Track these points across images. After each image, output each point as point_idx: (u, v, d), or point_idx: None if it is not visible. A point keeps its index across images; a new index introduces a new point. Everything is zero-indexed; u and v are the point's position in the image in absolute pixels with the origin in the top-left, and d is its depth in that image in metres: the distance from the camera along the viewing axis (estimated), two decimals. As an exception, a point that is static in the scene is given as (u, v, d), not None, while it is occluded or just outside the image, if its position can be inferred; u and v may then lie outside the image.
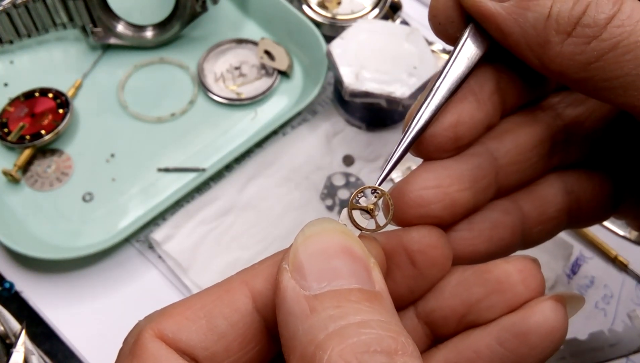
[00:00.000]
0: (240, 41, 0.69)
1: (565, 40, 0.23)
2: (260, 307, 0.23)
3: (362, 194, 0.25)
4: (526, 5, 0.23)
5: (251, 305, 0.23)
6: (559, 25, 0.23)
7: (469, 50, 0.26)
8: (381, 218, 0.25)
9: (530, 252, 0.59)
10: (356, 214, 0.25)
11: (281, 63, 0.66)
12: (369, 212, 0.25)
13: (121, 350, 0.24)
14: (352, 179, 0.62)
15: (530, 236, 0.29)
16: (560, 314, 0.24)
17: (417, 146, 0.27)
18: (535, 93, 0.29)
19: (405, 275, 0.26)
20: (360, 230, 0.25)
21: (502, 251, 0.28)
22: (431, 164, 0.27)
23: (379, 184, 0.25)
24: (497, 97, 0.27)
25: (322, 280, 0.21)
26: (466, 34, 0.26)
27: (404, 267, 0.26)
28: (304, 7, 0.68)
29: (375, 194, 0.25)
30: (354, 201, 0.25)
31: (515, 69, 0.27)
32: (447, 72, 0.26)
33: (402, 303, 0.27)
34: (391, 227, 0.26)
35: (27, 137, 0.60)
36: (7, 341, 0.48)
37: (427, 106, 0.26)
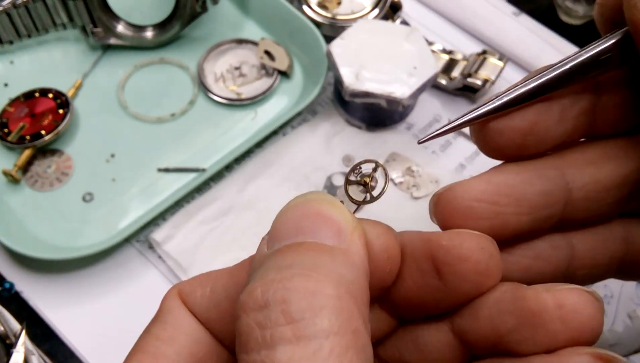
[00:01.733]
0: (240, 41, 0.69)
1: None
2: None
3: (360, 168, 0.24)
4: None
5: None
6: None
7: (593, 58, 0.23)
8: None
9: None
10: (354, 190, 0.24)
11: (281, 63, 0.66)
12: (364, 185, 0.24)
13: None
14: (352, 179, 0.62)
15: (573, 277, 0.26)
16: None
17: (478, 130, 0.24)
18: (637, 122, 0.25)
19: (429, 284, 0.23)
20: (356, 203, 0.24)
21: (536, 282, 0.24)
22: (495, 176, 0.24)
23: (423, 141, 0.24)
24: (585, 119, 0.24)
25: (284, 239, 0.20)
26: (608, 42, 0.23)
27: (429, 276, 0.23)
28: (304, 7, 0.68)
29: (373, 167, 0.24)
30: (351, 176, 0.24)
31: (627, 93, 0.24)
32: (557, 70, 0.23)
33: (425, 312, 0.24)
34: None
35: (27, 137, 0.60)
36: (7, 341, 0.48)
37: (515, 90, 0.23)
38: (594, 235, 0.26)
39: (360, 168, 0.24)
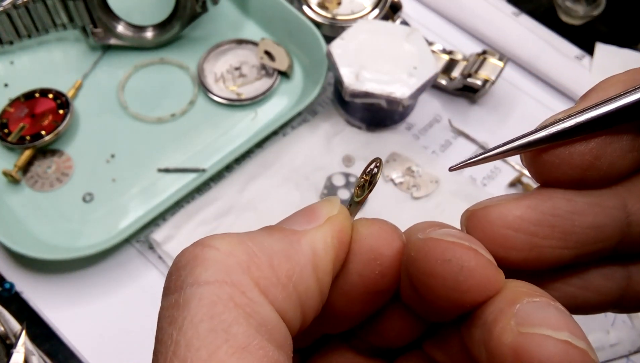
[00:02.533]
0: (241, 42, 0.69)
1: None
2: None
3: (370, 169, 0.24)
4: None
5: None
6: None
7: None
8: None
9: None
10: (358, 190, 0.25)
11: (281, 63, 0.66)
12: (363, 185, 0.24)
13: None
14: (352, 179, 0.62)
15: (627, 306, 0.23)
16: None
17: (531, 160, 0.21)
18: None
19: (406, 295, 0.22)
20: (354, 201, 0.24)
21: (580, 312, 0.22)
22: (540, 201, 0.20)
23: (456, 168, 0.22)
24: None
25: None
26: None
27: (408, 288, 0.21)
28: (304, 7, 0.68)
29: (374, 166, 0.24)
30: (361, 177, 0.25)
31: None
32: (626, 98, 0.20)
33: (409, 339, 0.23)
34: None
35: (28, 138, 0.60)
36: (8, 341, 0.48)
37: (576, 117, 0.20)
38: None
39: (370, 168, 0.24)
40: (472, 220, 0.21)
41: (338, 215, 0.22)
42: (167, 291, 0.19)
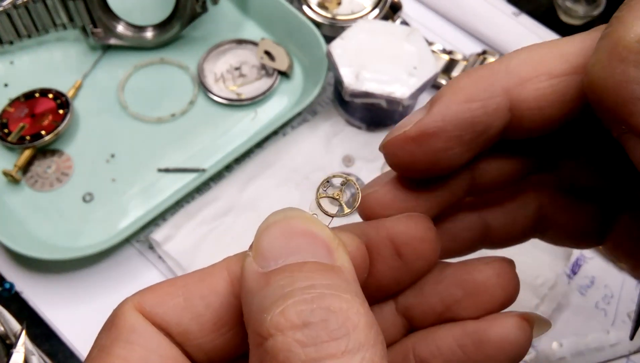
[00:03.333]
0: (240, 42, 0.69)
1: None
2: (238, 293, 0.23)
3: (328, 183, 0.25)
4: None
5: (229, 290, 0.23)
6: None
7: None
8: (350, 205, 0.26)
9: (530, 253, 0.59)
10: (325, 203, 0.25)
11: (281, 63, 0.66)
12: (336, 199, 0.25)
13: (104, 325, 0.24)
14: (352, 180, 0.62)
15: (492, 243, 0.29)
16: (523, 332, 0.25)
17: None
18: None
19: (391, 267, 0.25)
20: (330, 216, 0.25)
21: (449, 258, 0.28)
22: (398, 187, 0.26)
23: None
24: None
25: (279, 258, 0.21)
26: None
27: (390, 259, 0.25)
28: (304, 7, 0.68)
29: (342, 182, 0.25)
30: (321, 190, 0.25)
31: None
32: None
33: (386, 294, 0.27)
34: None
35: (27, 137, 0.60)
36: (7, 341, 0.48)
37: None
38: (506, 211, 0.28)
39: (329, 182, 0.25)
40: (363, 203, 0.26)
41: (340, 242, 0.23)
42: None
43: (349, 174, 0.25)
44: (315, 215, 0.24)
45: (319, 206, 0.25)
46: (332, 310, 0.19)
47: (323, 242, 0.22)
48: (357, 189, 0.25)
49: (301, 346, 0.18)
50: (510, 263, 0.26)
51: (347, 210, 0.25)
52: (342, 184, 0.25)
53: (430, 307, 0.26)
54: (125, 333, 0.22)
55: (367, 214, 0.26)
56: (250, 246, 0.22)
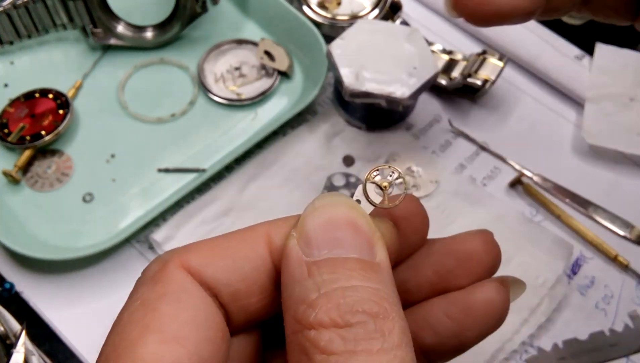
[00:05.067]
0: (240, 42, 0.69)
1: None
2: (275, 261, 0.25)
3: (377, 172, 0.26)
4: None
5: (269, 255, 0.25)
6: None
7: None
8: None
9: (530, 253, 0.59)
10: (370, 189, 0.25)
11: (281, 64, 0.66)
12: (382, 189, 0.25)
13: (140, 279, 0.24)
14: (352, 180, 0.62)
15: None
16: (503, 295, 0.28)
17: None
18: None
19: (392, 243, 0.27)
20: (374, 206, 0.25)
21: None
22: None
23: None
24: None
25: (323, 247, 0.22)
26: None
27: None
28: (304, 7, 0.68)
29: (395, 177, 0.25)
30: (370, 176, 0.25)
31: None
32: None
33: None
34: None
35: (27, 138, 0.60)
36: (8, 342, 0.48)
37: None
38: None
39: (379, 171, 0.26)
40: None
41: (379, 234, 0.24)
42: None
43: (399, 172, 0.26)
44: (358, 201, 0.25)
45: (365, 193, 0.25)
46: (372, 314, 0.21)
47: (365, 236, 0.23)
48: (406, 188, 0.25)
49: (341, 340, 0.20)
50: (491, 233, 0.29)
51: (387, 203, 0.25)
52: (393, 178, 0.25)
53: (426, 278, 0.28)
54: (174, 291, 0.23)
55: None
56: (293, 226, 0.24)
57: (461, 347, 0.28)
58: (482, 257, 0.28)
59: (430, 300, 0.28)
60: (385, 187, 0.25)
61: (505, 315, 0.28)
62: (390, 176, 0.25)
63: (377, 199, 0.25)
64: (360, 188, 0.25)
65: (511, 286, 0.29)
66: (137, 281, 0.25)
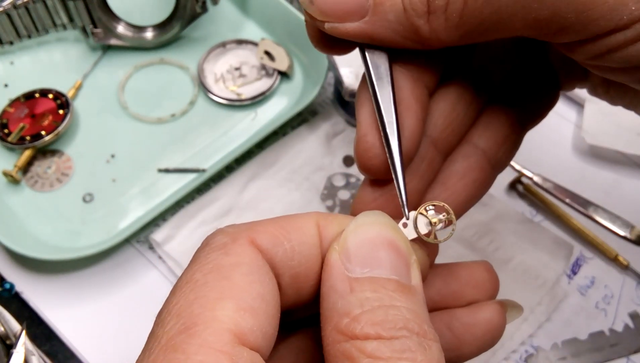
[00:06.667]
0: (241, 42, 0.69)
1: (428, 18, 0.25)
2: (323, 251, 0.25)
3: (433, 206, 0.27)
4: (382, 11, 0.25)
5: (320, 245, 0.26)
6: (417, 11, 0.25)
7: (378, 66, 0.27)
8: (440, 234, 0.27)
9: (530, 253, 0.59)
10: (420, 223, 0.27)
11: (281, 64, 0.66)
12: (432, 225, 0.27)
13: (205, 248, 0.25)
14: (353, 180, 0.62)
15: (497, 161, 0.32)
16: (502, 317, 0.30)
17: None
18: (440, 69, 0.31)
19: None
20: (421, 237, 0.26)
21: (482, 187, 0.31)
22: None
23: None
24: (424, 94, 0.29)
25: (365, 265, 0.23)
26: (366, 57, 0.27)
27: None
28: (304, 7, 0.68)
29: (442, 214, 0.27)
30: (424, 209, 0.27)
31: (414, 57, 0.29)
32: (378, 98, 0.27)
33: None
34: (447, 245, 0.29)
35: (28, 138, 0.60)
36: (8, 342, 0.48)
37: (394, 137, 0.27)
38: (483, 126, 0.32)
39: (433, 206, 0.27)
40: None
41: (416, 258, 0.25)
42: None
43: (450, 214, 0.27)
44: (404, 224, 0.26)
45: (415, 224, 0.26)
46: (414, 332, 0.22)
47: (405, 259, 0.24)
48: (453, 229, 0.27)
49: (387, 348, 0.22)
50: (490, 264, 0.32)
51: (432, 238, 0.27)
52: (441, 219, 0.27)
53: (429, 298, 0.29)
54: (247, 265, 0.23)
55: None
56: (336, 239, 0.25)
57: (455, 362, 0.30)
58: (486, 284, 0.31)
59: (432, 313, 0.28)
60: (435, 224, 0.27)
61: (500, 335, 0.30)
62: (444, 215, 0.27)
63: (423, 230, 0.26)
64: (411, 214, 0.26)
65: (509, 309, 0.31)
66: (199, 250, 0.25)
